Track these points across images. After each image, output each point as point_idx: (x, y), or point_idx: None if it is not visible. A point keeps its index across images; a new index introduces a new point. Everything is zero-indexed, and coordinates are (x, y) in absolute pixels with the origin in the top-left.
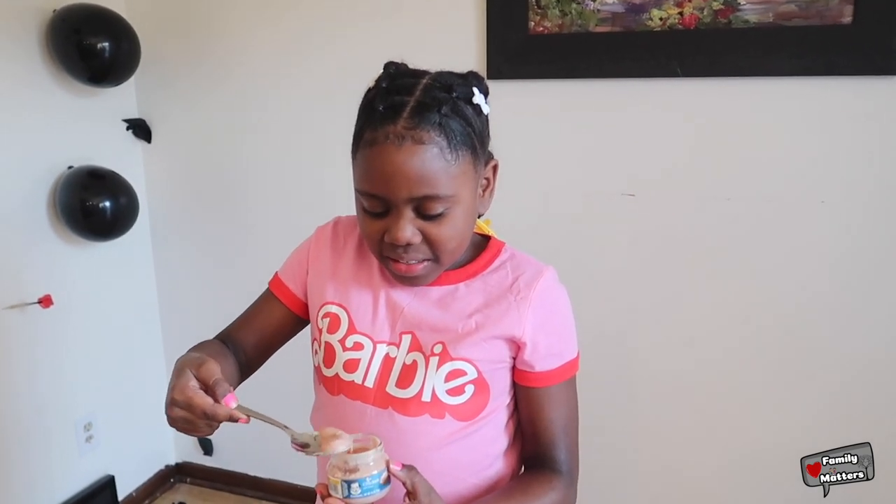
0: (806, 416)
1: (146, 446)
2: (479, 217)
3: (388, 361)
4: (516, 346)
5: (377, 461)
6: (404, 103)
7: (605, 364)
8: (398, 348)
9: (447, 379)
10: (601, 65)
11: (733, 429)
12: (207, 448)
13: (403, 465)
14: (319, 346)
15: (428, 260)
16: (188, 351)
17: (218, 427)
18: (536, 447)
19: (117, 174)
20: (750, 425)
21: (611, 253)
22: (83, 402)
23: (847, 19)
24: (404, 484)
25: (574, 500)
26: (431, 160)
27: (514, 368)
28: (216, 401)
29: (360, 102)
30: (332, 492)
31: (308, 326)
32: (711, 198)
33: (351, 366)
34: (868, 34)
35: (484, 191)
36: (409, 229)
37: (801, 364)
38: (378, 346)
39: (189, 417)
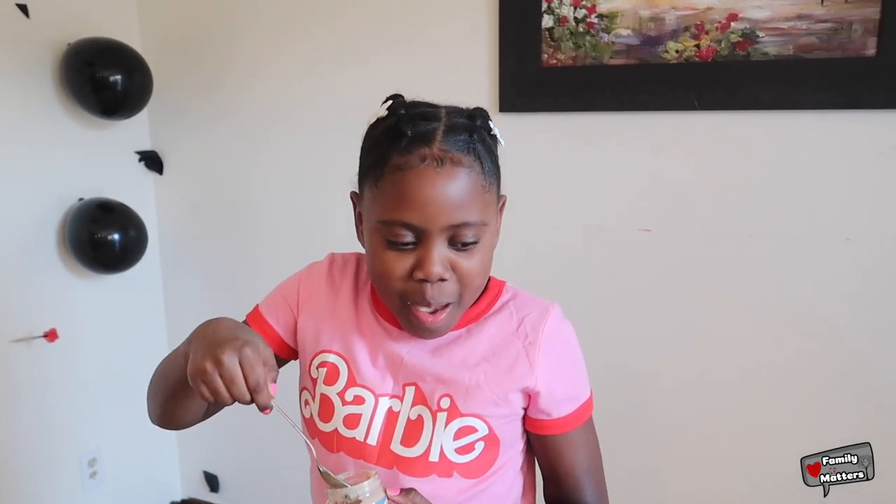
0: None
1: (151, 482)
2: None
3: (391, 416)
4: (528, 396)
5: (374, 491)
6: (435, 127)
7: (619, 403)
8: (402, 401)
9: (456, 437)
10: (616, 98)
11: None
12: (214, 485)
13: (401, 490)
14: (313, 398)
15: (450, 304)
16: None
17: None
18: (560, 491)
19: (127, 206)
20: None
21: (626, 291)
22: (88, 438)
23: (871, 51)
24: None
25: None
26: (471, 184)
27: (524, 417)
28: None
29: (364, 134)
30: None
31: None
32: (732, 234)
33: (352, 421)
34: (892, 66)
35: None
36: (443, 263)
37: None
38: (380, 399)
39: (251, 372)
